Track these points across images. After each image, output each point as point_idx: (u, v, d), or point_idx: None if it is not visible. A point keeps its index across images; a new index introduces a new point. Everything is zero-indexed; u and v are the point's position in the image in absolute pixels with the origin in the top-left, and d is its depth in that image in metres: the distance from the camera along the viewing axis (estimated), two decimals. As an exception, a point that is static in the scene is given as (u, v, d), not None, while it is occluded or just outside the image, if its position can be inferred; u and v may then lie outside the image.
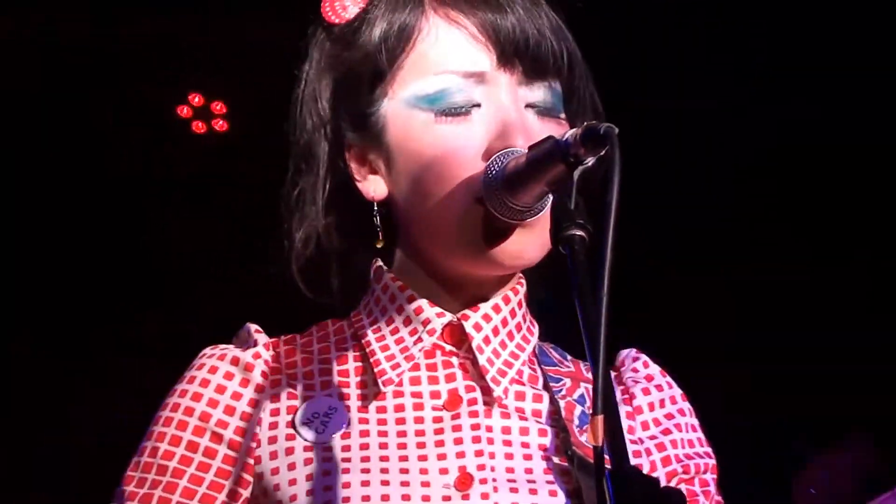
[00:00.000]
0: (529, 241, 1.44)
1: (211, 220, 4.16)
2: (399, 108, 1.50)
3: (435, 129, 1.47)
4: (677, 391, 1.58)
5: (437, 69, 1.48)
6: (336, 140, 1.54)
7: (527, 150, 1.35)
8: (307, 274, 1.55)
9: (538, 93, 1.49)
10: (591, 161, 1.25)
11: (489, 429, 1.48)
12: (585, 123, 1.25)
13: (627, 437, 1.48)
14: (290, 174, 1.56)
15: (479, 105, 1.47)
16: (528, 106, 1.49)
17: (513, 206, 1.38)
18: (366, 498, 1.43)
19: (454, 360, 1.51)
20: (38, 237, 4.17)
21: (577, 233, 1.21)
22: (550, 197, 1.31)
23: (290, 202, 1.55)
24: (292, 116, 1.56)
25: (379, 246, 1.54)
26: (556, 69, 1.50)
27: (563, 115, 1.51)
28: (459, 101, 1.47)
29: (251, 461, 1.48)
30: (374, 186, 1.52)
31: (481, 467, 1.45)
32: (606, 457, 1.13)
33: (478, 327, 1.50)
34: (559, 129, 1.43)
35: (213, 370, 1.53)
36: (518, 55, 1.47)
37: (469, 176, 1.43)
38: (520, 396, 1.50)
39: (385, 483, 1.44)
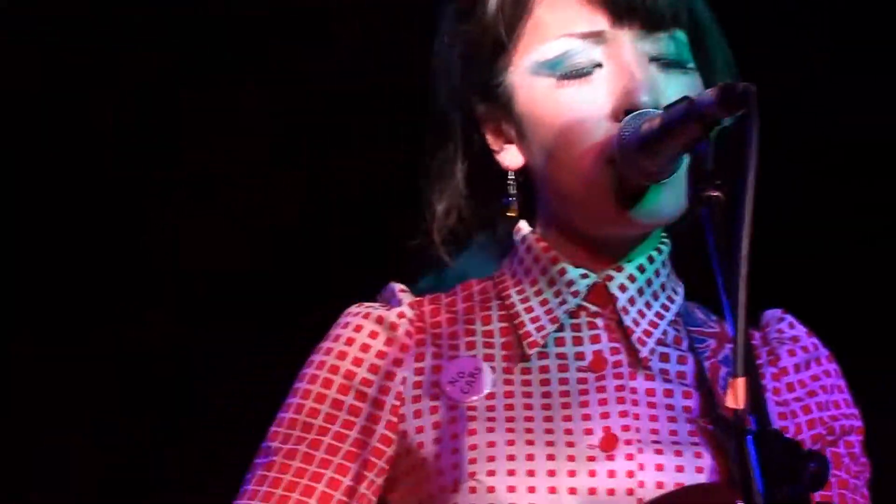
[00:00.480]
0: (665, 199, 1.45)
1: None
2: (523, 77, 1.52)
3: (559, 94, 1.49)
4: (823, 352, 1.59)
5: (556, 33, 1.50)
6: (469, 112, 1.58)
7: (661, 112, 1.37)
8: (448, 244, 1.61)
9: (660, 45, 1.51)
10: (727, 121, 1.27)
11: (634, 390, 1.49)
12: (722, 83, 1.27)
13: (772, 398, 1.50)
14: (428, 147, 1.60)
15: (600, 65, 1.50)
16: (652, 60, 1.50)
17: (647, 168, 1.40)
18: (511, 457, 1.45)
19: (598, 321, 1.53)
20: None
21: (715, 193, 1.23)
22: (686, 157, 1.33)
23: (429, 174, 1.60)
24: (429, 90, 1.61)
25: (515, 215, 1.58)
26: (675, 18, 1.51)
27: (690, 65, 1.53)
28: (581, 63, 1.51)
29: (395, 419, 1.51)
30: (509, 156, 1.56)
31: (626, 428, 1.47)
32: (749, 419, 1.15)
33: (622, 288, 1.52)
34: (687, 80, 1.47)
35: (358, 329, 1.56)
36: (634, 9, 1.48)
37: (597, 139, 1.46)
38: (664, 358, 1.52)
39: (530, 443, 1.46)
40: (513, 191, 1.57)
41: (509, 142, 1.57)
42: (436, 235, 1.61)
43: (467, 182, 1.60)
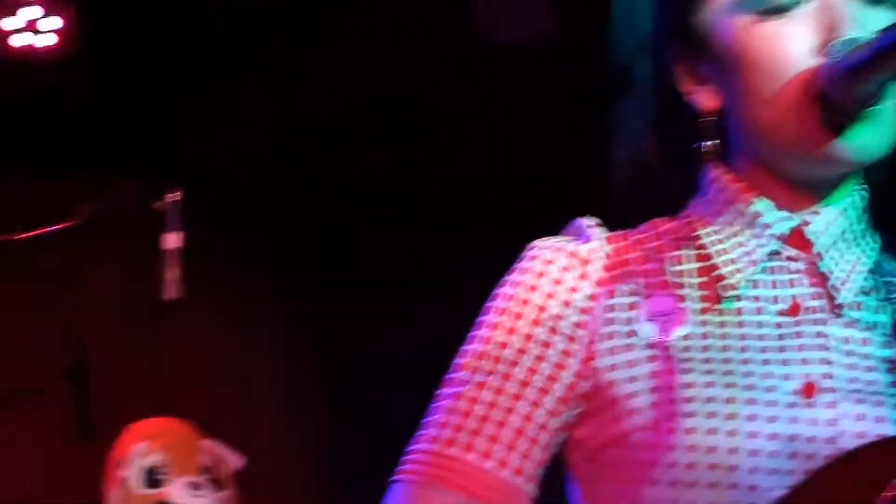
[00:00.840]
0: (871, 135, 1.41)
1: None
2: (721, 14, 1.48)
3: (760, 30, 1.45)
4: None
5: None
6: (660, 56, 1.54)
7: (873, 36, 1.33)
8: (632, 191, 1.57)
9: None
10: None
11: (831, 337, 1.45)
12: None
13: None
14: (612, 94, 1.55)
15: (798, 2, 1.43)
16: None
17: (854, 94, 1.36)
18: (710, 399, 1.41)
19: (795, 265, 1.48)
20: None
21: None
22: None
23: (614, 121, 1.56)
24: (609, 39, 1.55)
25: (709, 158, 1.52)
26: None
27: None
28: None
29: (587, 356, 1.46)
30: (704, 97, 1.51)
31: (826, 376, 1.42)
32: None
33: (820, 232, 1.47)
34: (894, 16, 1.41)
35: (549, 262, 1.51)
36: None
37: (801, 73, 1.41)
38: (861, 307, 1.47)
39: (730, 385, 1.41)
40: (707, 133, 1.52)
41: (703, 83, 1.52)
42: (618, 182, 1.58)
43: (653, 127, 1.56)
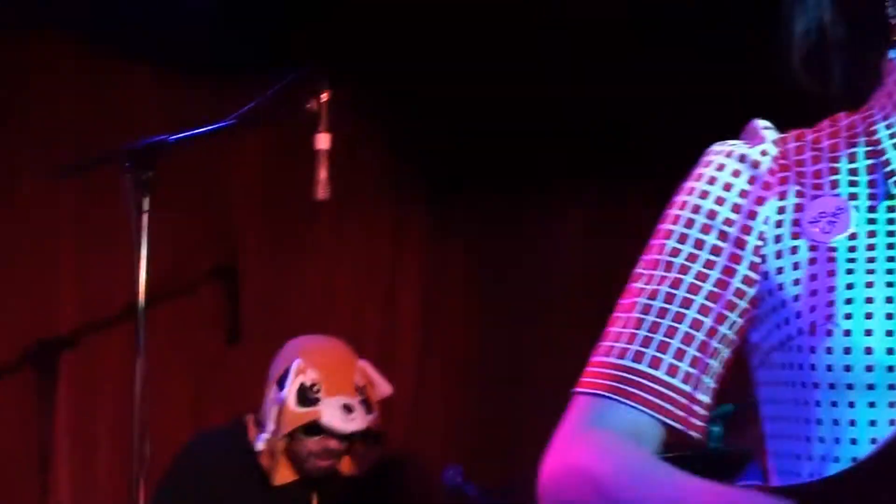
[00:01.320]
0: None
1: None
2: None
3: None
4: None
5: None
6: None
7: None
8: (808, 66, 1.53)
9: None
10: None
11: None
12: None
13: None
14: None
15: None
16: None
17: None
18: (869, 300, 1.41)
19: None
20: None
21: None
22: None
23: None
24: None
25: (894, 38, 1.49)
26: None
27: None
28: None
29: (757, 260, 1.47)
30: None
31: None
32: None
33: None
34: None
35: (721, 167, 1.52)
36: None
37: None
38: None
39: (890, 285, 1.41)
40: (893, 12, 1.46)
41: None
42: (795, 58, 1.53)
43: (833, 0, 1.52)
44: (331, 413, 3.51)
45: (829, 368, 1.39)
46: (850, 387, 1.39)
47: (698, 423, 1.47)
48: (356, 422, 3.53)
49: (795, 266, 1.45)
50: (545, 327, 4.40)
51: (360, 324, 4.39)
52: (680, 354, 1.45)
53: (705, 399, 1.47)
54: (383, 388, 3.71)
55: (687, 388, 1.45)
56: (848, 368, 1.39)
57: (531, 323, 4.44)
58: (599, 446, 1.44)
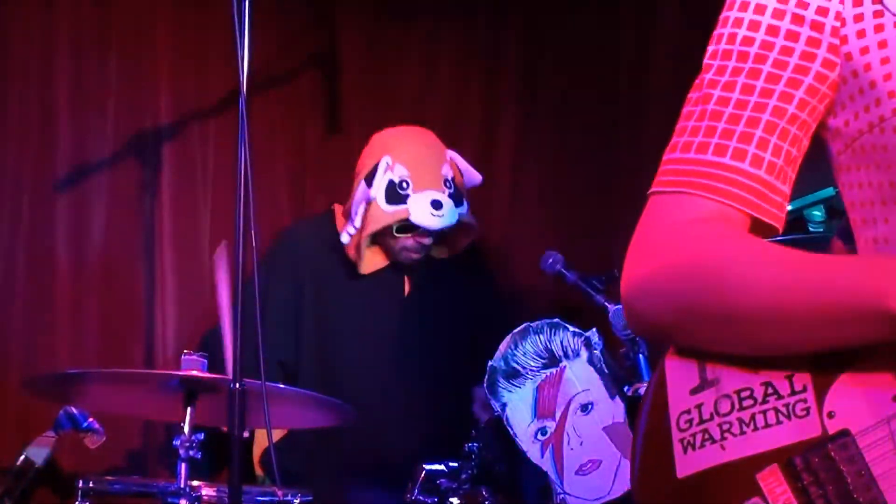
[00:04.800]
0: None
1: None
2: None
3: None
4: None
5: None
6: None
7: None
8: None
9: None
10: None
11: None
12: None
13: None
14: None
15: None
16: None
17: None
18: None
19: None
20: None
21: None
22: None
23: None
24: None
25: None
26: None
27: None
28: None
29: (836, 42, 1.41)
30: None
31: None
32: None
33: None
34: None
35: None
36: None
37: None
38: None
39: None
40: None
41: None
42: None
43: None
44: (420, 210, 3.50)
45: None
46: None
47: (779, 213, 1.44)
48: (445, 218, 3.54)
49: (881, 45, 1.38)
50: (644, 114, 4.34)
51: (459, 113, 4.36)
52: (763, 144, 1.41)
53: (786, 189, 1.44)
54: (474, 177, 3.70)
55: (770, 178, 1.42)
56: None
57: (632, 110, 4.38)
58: (690, 235, 1.40)
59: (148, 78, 4.02)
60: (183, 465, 2.74)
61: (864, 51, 1.39)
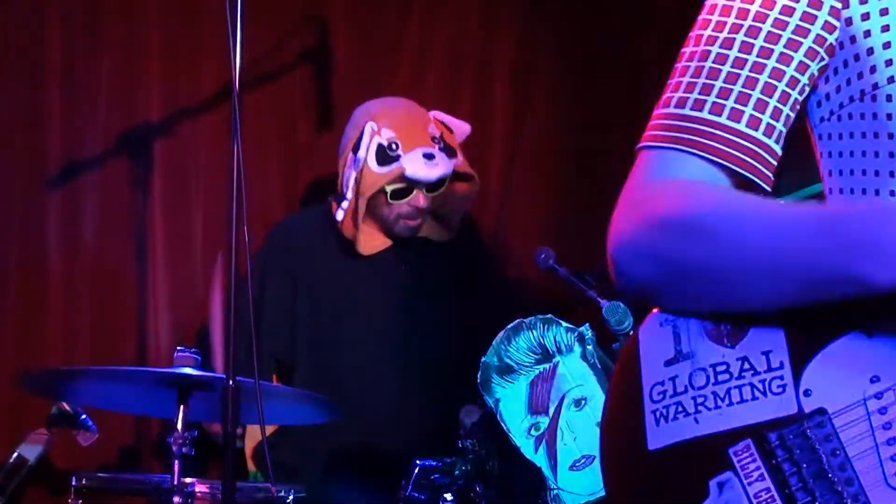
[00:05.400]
0: None
1: None
2: None
3: None
4: None
5: None
6: None
7: None
8: None
9: None
10: None
11: None
12: None
13: None
14: None
15: None
16: None
17: None
18: None
19: None
20: None
21: None
22: None
23: None
24: None
25: None
26: None
27: None
28: None
29: (839, 5, 1.39)
30: None
31: None
32: None
33: None
34: None
35: None
36: None
37: None
38: None
39: None
40: None
41: None
42: None
43: None
44: (413, 164, 3.49)
45: None
46: None
47: (771, 175, 1.42)
48: (440, 167, 3.52)
49: (883, 12, 1.37)
50: (638, 109, 4.34)
51: (451, 108, 4.36)
52: (761, 106, 1.39)
53: (779, 150, 1.42)
54: (462, 128, 3.69)
55: (767, 140, 1.40)
56: None
57: (623, 105, 4.38)
58: (678, 189, 1.38)
59: (139, 75, 4.01)
60: (176, 462, 2.73)
61: (865, 17, 1.38)
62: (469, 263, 3.84)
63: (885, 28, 1.37)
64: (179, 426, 2.73)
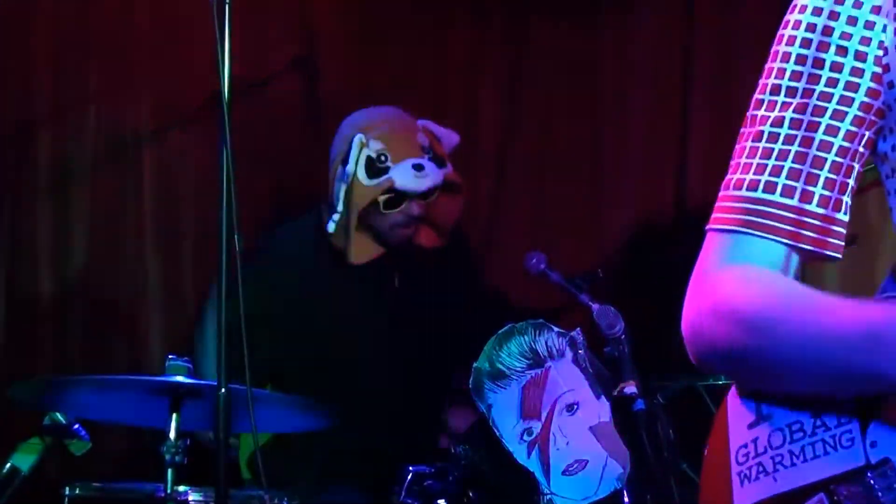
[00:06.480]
0: None
1: None
2: None
3: None
4: None
5: None
6: None
7: None
8: None
9: None
10: None
11: None
12: None
13: None
14: None
15: None
16: None
17: None
18: None
19: None
20: None
21: None
22: None
23: None
24: None
25: None
26: None
27: None
28: None
29: (879, 70, 1.44)
30: None
31: None
32: None
33: None
34: None
35: None
36: None
37: None
38: None
39: None
40: None
41: None
42: None
43: None
44: (403, 176, 3.49)
45: None
46: None
47: (837, 242, 1.46)
48: (430, 177, 3.53)
49: None
50: (629, 115, 4.35)
51: (441, 115, 4.37)
52: (812, 179, 1.44)
53: (843, 218, 1.46)
54: (450, 137, 3.69)
55: (822, 210, 1.44)
56: None
57: (612, 113, 4.39)
58: (741, 279, 1.44)
59: (128, 83, 4.01)
60: (169, 471, 2.73)
61: None
62: (461, 269, 3.84)
63: None
64: (172, 435, 2.72)
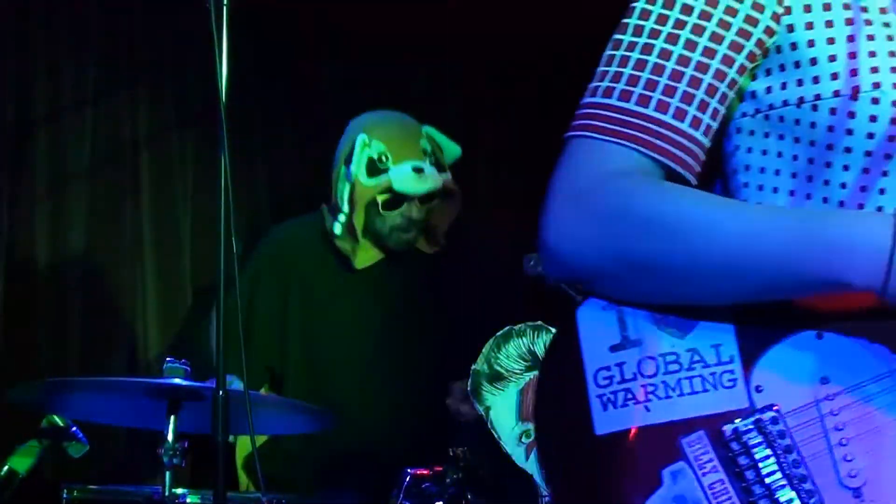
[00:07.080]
0: None
1: None
2: None
3: None
4: None
5: None
6: None
7: None
8: None
9: None
10: None
11: None
12: None
13: None
14: None
15: None
16: None
17: None
18: (893, 53, 1.36)
19: None
20: None
21: None
22: None
23: None
24: None
25: None
26: None
27: None
28: None
29: (780, 10, 1.41)
30: None
31: None
32: None
33: None
34: None
35: None
36: None
37: None
38: None
39: None
40: None
41: None
42: None
43: None
44: (402, 177, 3.50)
45: (870, 136, 1.35)
46: (868, 154, 1.36)
47: (698, 167, 1.42)
48: (429, 181, 3.53)
49: (828, 24, 1.39)
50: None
51: (437, 119, 4.38)
52: (703, 106, 1.41)
53: (707, 143, 1.42)
54: (451, 149, 3.69)
55: (704, 140, 1.41)
56: (871, 136, 1.35)
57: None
58: (637, 186, 1.38)
59: (126, 86, 4.01)
60: (167, 473, 2.72)
61: (809, 26, 1.40)
62: (459, 273, 3.84)
63: (831, 41, 1.38)
64: (170, 437, 2.72)
